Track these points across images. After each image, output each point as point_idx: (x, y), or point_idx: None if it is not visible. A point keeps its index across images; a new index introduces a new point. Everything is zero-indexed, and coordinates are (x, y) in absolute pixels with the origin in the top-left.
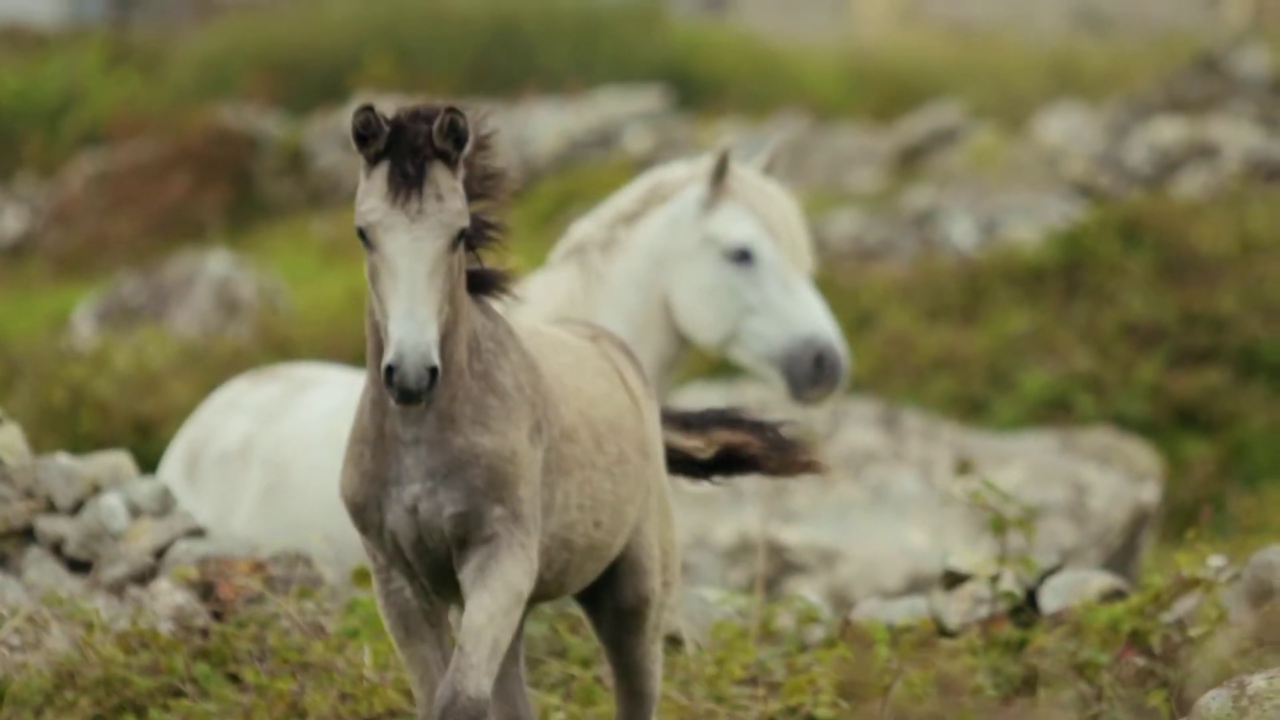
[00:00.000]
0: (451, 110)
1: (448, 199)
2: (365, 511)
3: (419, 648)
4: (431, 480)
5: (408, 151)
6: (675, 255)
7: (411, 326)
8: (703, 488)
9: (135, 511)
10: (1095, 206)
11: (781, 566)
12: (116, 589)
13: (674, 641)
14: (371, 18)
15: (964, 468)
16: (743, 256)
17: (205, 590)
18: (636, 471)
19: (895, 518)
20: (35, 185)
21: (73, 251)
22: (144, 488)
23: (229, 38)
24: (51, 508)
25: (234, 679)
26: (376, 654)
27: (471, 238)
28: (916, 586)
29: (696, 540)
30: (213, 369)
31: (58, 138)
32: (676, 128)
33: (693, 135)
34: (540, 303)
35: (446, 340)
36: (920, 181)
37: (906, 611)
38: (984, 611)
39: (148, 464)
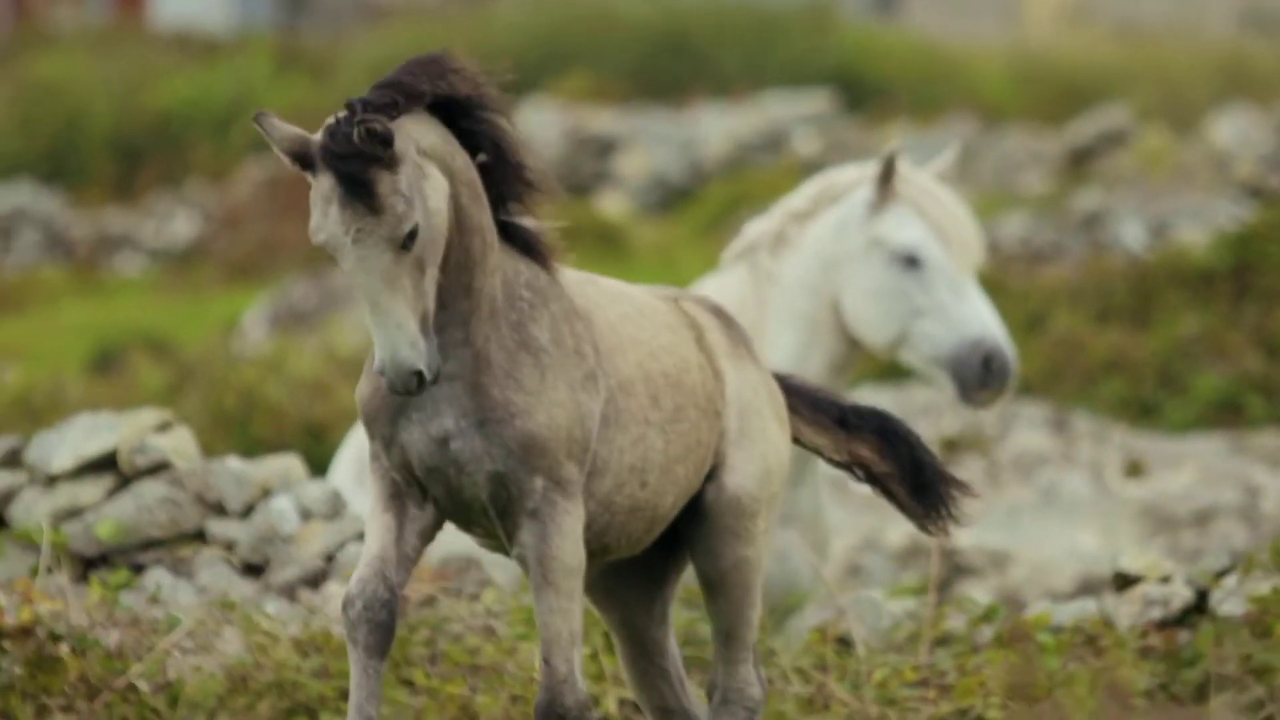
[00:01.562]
0: (364, 120)
1: (387, 208)
2: (376, 422)
3: (385, 517)
4: (465, 421)
5: (337, 167)
6: (843, 257)
7: (385, 338)
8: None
9: (306, 515)
10: (1265, 208)
11: (952, 569)
12: (288, 592)
13: (844, 643)
14: (540, 22)
15: (1134, 470)
16: (910, 259)
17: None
18: (693, 430)
19: (1065, 520)
20: (205, 190)
21: (243, 256)
22: (315, 491)
23: (396, 43)
24: (223, 511)
25: (406, 682)
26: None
27: (507, 193)
28: (1087, 588)
29: (867, 542)
30: None
31: (227, 143)
32: (845, 131)
33: (861, 138)
34: None
35: (465, 290)
36: (1089, 184)
37: (1077, 613)
38: (1155, 613)
39: (319, 467)
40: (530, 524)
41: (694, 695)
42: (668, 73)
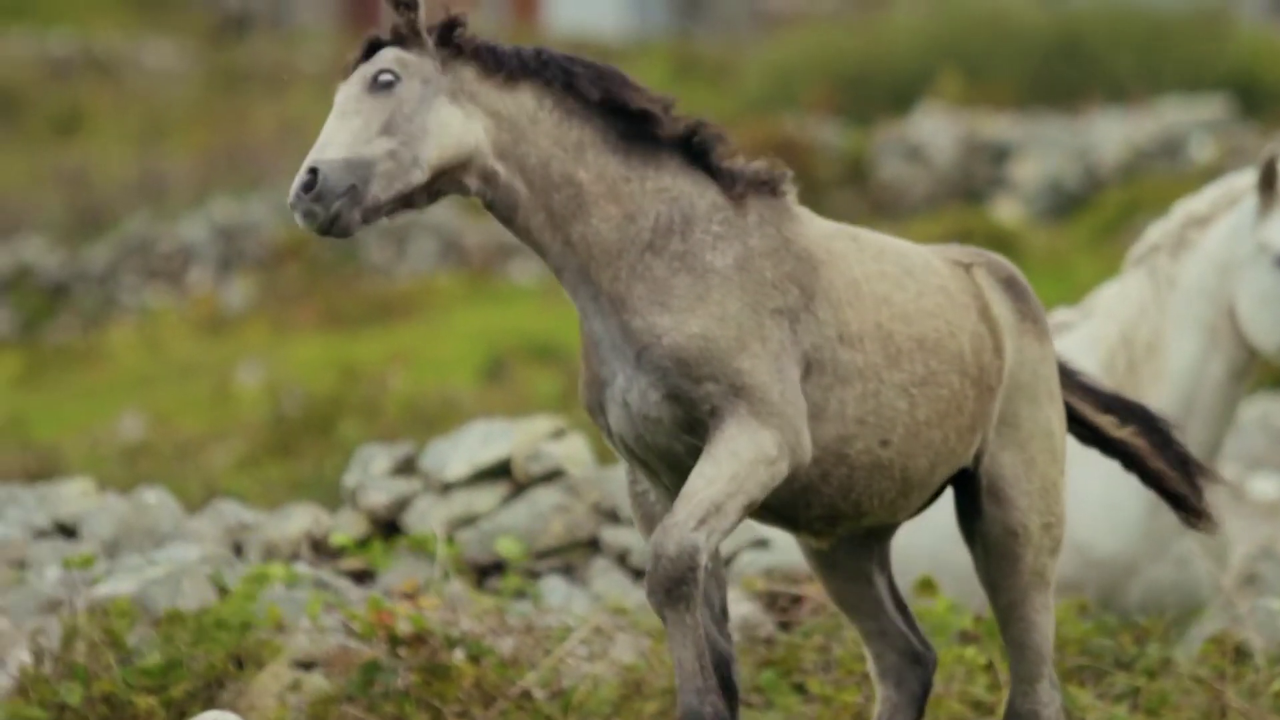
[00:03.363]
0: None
1: (379, 62)
2: (595, 416)
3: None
4: (629, 368)
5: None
6: (1236, 262)
7: (312, 150)
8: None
9: None
10: None
11: None
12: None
13: (1241, 654)
14: (935, 31)
15: None
16: None
17: (771, 600)
18: (954, 397)
19: None
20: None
21: None
22: None
23: (794, 50)
24: (616, 519)
25: (799, 689)
26: (943, 665)
27: (697, 138)
28: None
29: (1264, 551)
30: None
31: None
32: (1243, 136)
33: (1259, 144)
34: (1112, 312)
35: (566, 245)
36: None
37: None
38: None
39: None
40: (711, 421)
41: (919, 626)
42: (1062, 79)
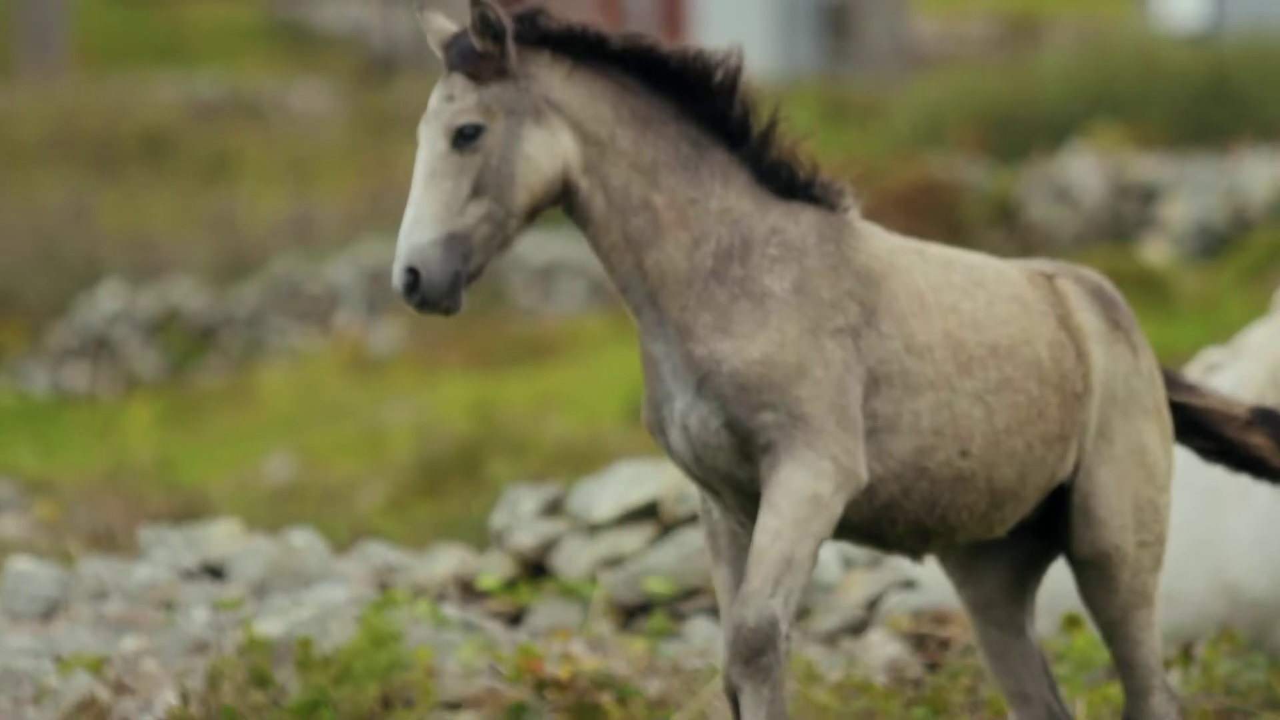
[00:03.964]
0: (477, 2)
1: (458, 97)
2: (656, 436)
3: (719, 570)
4: (689, 394)
5: (451, 43)
6: None
7: (404, 226)
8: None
9: (848, 563)
10: None
11: None
12: (829, 640)
13: None
14: (1084, 71)
15: None
16: None
17: (918, 641)
18: (1033, 403)
19: None
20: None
21: None
22: None
23: (942, 90)
24: None
25: None
26: (1090, 705)
27: (746, 139)
28: None
29: None
30: None
31: None
32: None
33: None
34: (1262, 352)
35: (638, 270)
36: None
37: None
38: None
39: None
40: (765, 457)
41: (1062, 694)
42: (1211, 119)
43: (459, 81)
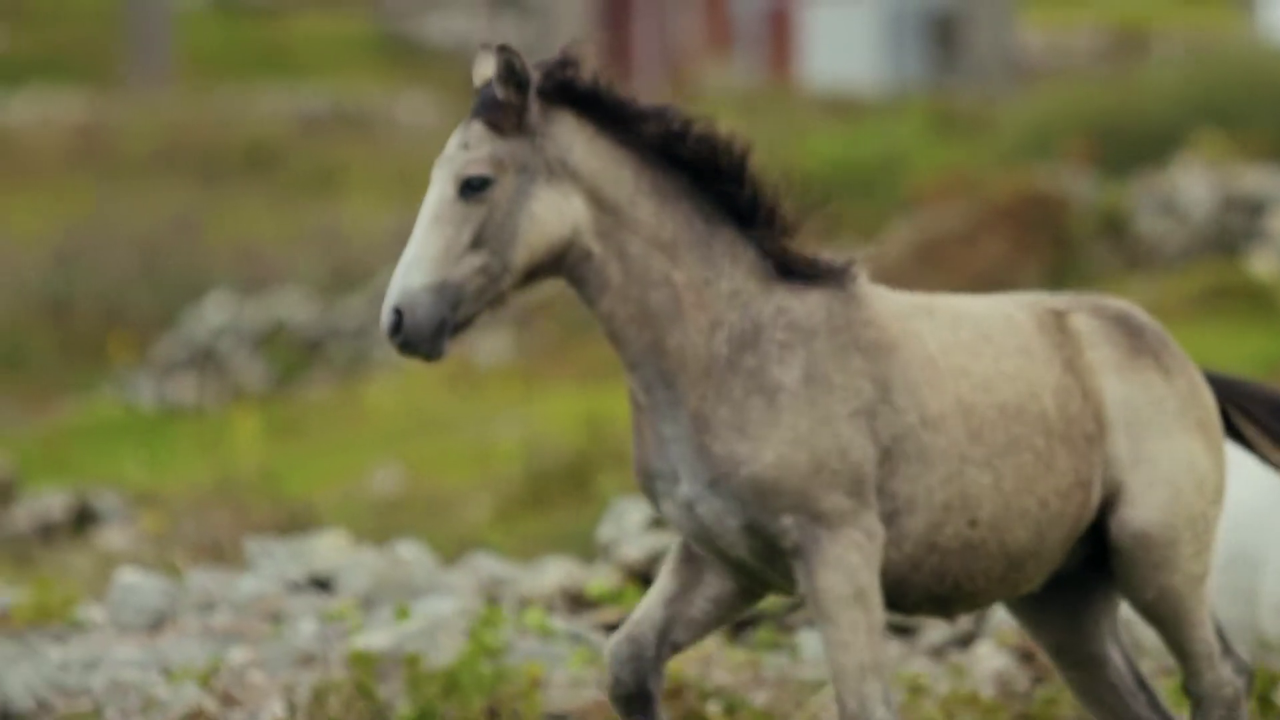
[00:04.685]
0: (504, 49)
1: (472, 145)
2: (645, 490)
3: (665, 579)
4: (700, 486)
5: (479, 92)
6: None
7: (399, 266)
8: None
9: None
10: None
11: None
12: (936, 653)
13: None
14: (1191, 83)
15: None
16: None
17: (1026, 654)
18: (1039, 460)
19: None
20: (857, 249)
21: None
22: None
23: (1049, 103)
24: None
25: None
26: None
27: (754, 220)
28: None
29: None
30: None
31: (876, 203)
32: None
33: None
34: None
35: (655, 348)
36: None
37: None
38: None
39: None
40: (796, 563)
41: (1163, 702)
42: None
43: (477, 130)
